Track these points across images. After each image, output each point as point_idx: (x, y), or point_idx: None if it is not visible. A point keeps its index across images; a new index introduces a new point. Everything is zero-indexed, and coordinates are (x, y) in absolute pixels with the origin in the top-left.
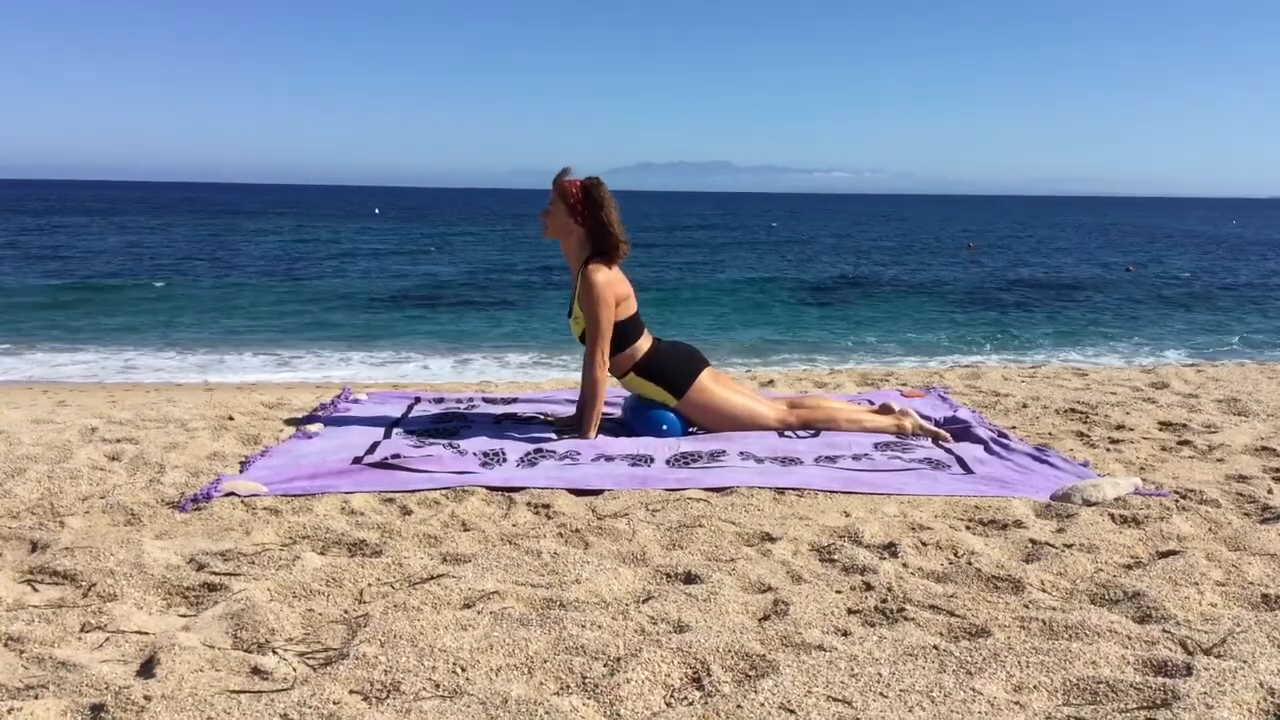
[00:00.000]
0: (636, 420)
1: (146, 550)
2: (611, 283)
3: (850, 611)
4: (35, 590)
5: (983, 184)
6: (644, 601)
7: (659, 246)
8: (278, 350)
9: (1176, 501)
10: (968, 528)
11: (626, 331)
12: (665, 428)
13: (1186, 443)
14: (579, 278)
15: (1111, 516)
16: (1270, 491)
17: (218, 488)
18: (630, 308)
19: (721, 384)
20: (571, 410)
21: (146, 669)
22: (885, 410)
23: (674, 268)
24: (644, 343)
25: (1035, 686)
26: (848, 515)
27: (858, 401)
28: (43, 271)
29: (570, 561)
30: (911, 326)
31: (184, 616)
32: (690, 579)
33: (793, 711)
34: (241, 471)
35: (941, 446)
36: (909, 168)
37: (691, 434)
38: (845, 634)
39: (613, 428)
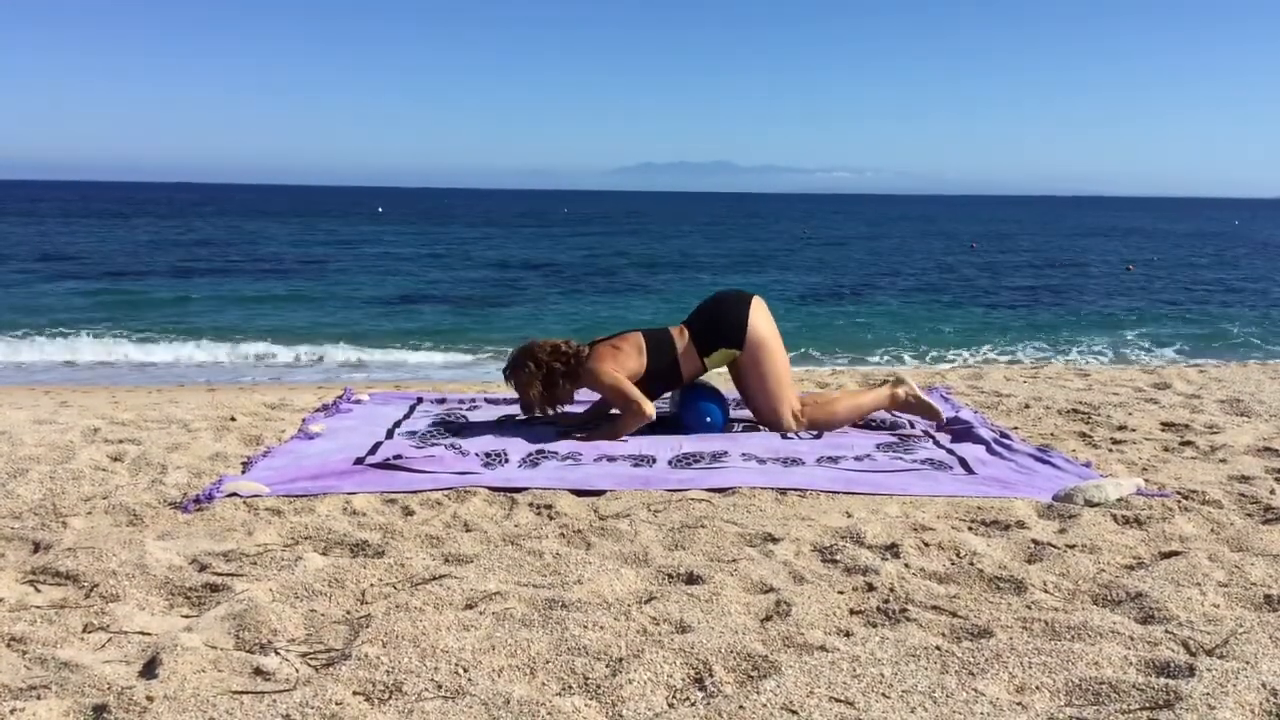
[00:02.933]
0: (685, 411)
1: (149, 551)
2: (615, 367)
3: (852, 612)
4: (38, 591)
5: (982, 184)
6: (646, 602)
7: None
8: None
9: (1179, 502)
10: (970, 528)
11: (664, 368)
12: (709, 420)
13: (1189, 443)
14: (586, 379)
15: (1114, 517)
16: (1273, 492)
17: (220, 488)
18: (639, 362)
19: (775, 345)
20: (573, 410)
21: (149, 669)
22: (883, 383)
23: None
24: (682, 343)
25: (1038, 687)
26: (850, 516)
27: None
28: (63, 273)
29: (572, 562)
30: (913, 327)
31: (186, 617)
32: (692, 579)
33: (795, 712)
34: (244, 472)
35: (943, 447)
36: (909, 167)
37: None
38: (847, 635)
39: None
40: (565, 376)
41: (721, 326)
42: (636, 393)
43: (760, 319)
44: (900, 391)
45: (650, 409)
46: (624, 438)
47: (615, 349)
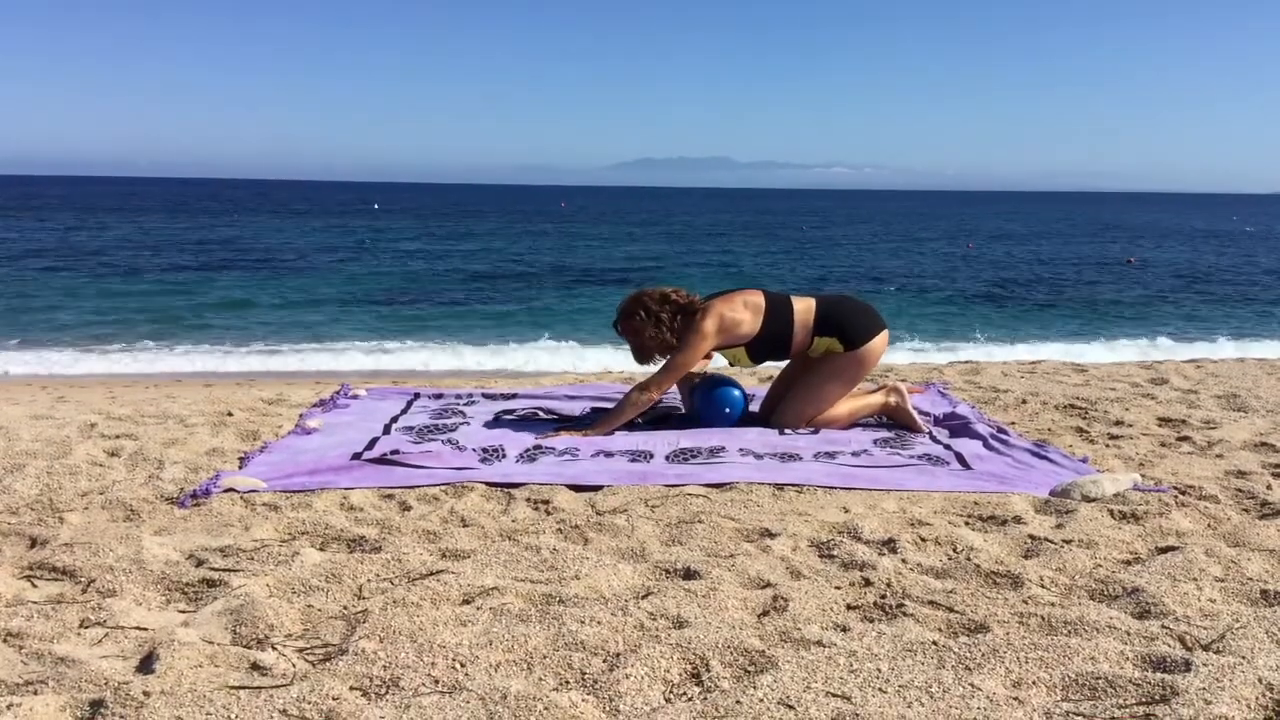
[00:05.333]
0: (702, 401)
1: (146, 546)
2: (717, 331)
3: (849, 607)
4: (35, 586)
5: (982, 180)
6: (643, 597)
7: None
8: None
9: (1176, 497)
10: (967, 523)
11: (777, 334)
12: (728, 410)
13: (1186, 438)
14: (686, 329)
15: (1110, 512)
16: (1269, 487)
17: (217, 484)
18: (753, 324)
19: (864, 373)
20: (570, 406)
21: (146, 665)
22: (880, 389)
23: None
24: (805, 314)
25: (1034, 682)
26: (847, 511)
27: None
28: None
29: (569, 557)
30: (909, 322)
31: (183, 612)
32: (689, 575)
33: (792, 707)
34: (240, 467)
35: (940, 442)
36: (909, 163)
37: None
38: (844, 630)
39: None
40: (676, 323)
41: (852, 322)
42: (682, 373)
43: (881, 344)
44: (892, 400)
45: (656, 397)
46: (621, 432)
47: (731, 306)
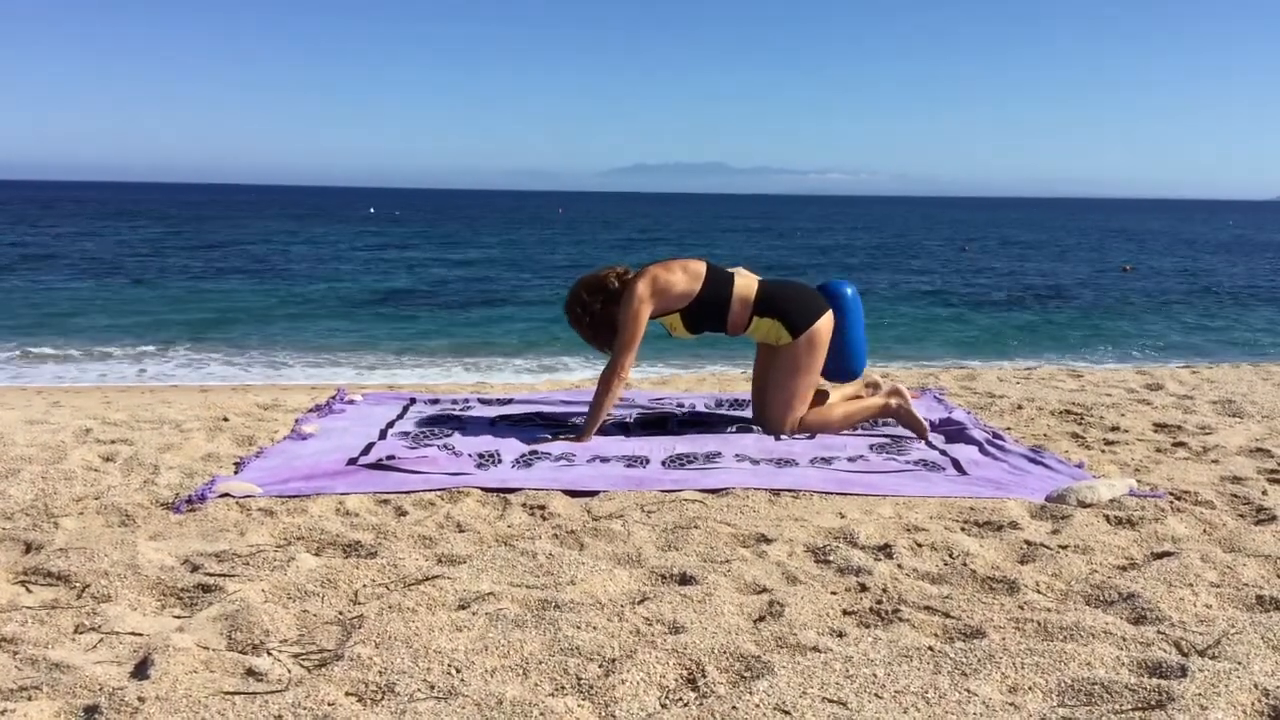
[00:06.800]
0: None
1: (141, 551)
2: (651, 294)
3: (845, 613)
4: (29, 591)
5: (978, 186)
6: (639, 603)
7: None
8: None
9: (1171, 503)
10: (963, 529)
11: (714, 302)
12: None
13: (1181, 444)
14: (621, 302)
15: (1106, 518)
16: (1265, 493)
17: (212, 489)
18: (689, 286)
19: (821, 356)
20: (566, 411)
21: (140, 670)
22: (875, 386)
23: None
24: (746, 289)
25: (1030, 687)
26: (843, 516)
27: None
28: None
29: (565, 563)
30: (905, 327)
31: (178, 618)
32: (685, 580)
33: (788, 713)
34: (236, 473)
35: (936, 448)
36: (905, 169)
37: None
38: (840, 635)
39: (610, 429)
40: (612, 308)
41: (795, 305)
42: (633, 344)
43: (827, 326)
44: (893, 402)
45: (627, 375)
46: (617, 437)
47: (666, 269)
